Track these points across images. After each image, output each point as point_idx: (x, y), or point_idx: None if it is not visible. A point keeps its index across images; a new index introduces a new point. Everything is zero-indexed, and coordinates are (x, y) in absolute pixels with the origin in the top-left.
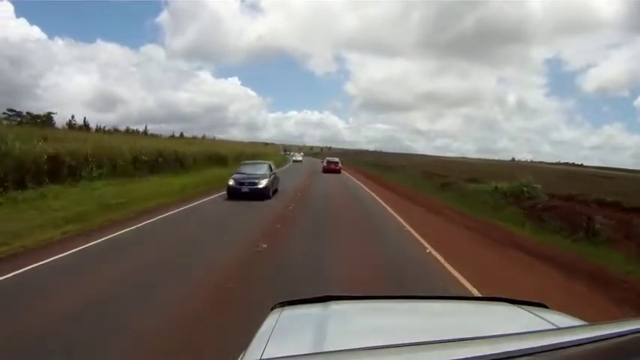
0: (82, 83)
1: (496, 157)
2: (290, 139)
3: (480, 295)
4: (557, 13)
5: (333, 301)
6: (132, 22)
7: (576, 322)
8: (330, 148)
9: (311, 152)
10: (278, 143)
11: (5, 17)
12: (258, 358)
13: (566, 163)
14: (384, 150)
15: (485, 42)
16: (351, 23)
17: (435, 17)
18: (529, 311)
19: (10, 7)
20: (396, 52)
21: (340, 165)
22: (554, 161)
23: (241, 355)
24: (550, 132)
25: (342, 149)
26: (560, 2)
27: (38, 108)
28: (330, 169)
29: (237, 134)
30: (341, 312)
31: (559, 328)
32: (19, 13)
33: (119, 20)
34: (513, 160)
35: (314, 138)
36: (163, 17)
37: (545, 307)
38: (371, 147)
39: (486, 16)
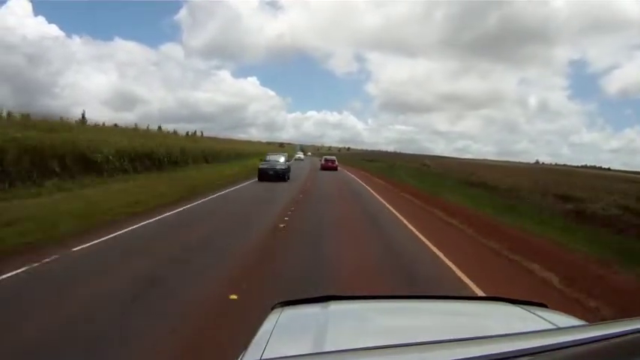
0: (100, 82)
1: (517, 160)
2: (309, 140)
3: (481, 295)
4: (582, 13)
5: (333, 301)
6: (150, 19)
7: (576, 322)
8: (348, 149)
9: (328, 153)
10: (296, 143)
11: (23, 15)
12: (258, 358)
13: (593, 167)
14: (403, 151)
15: (508, 42)
16: (373, 22)
17: (458, 16)
18: (529, 311)
19: (29, 6)
20: (418, 52)
21: (337, 163)
22: (578, 164)
23: (241, 355)
24: (570, 134)
25: (362, 150)
26: (585, 1)
27: (56, 106)
28: (328, 167)
29: (256, 134)
30: (341, 312)
31: (559, 328)
32: (37, 11)
33: (137, 18)
34: (537, 162)
35: (333, 139)
36: (182, 15)
37: (546, 307)
38: (390, 148)
39: (510, 16)
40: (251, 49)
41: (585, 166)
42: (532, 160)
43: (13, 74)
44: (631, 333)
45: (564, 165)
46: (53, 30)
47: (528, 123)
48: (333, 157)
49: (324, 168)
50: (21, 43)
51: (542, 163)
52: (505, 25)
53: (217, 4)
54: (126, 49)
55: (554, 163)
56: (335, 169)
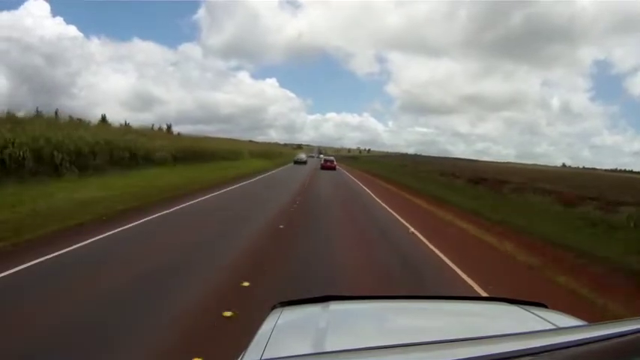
0: (118, 82)
1: (541, 163)
2: (328, 142)
3: (481, 296)
4: (609, 12)
5: (333, 301)
6: (169, 19)
7: (576, 322)
8: (369, 150)
9: (348, 155)
10: (315, 145)
11: (42, 16)
12: (258, 358)
13: (624, 170)
14: (422, 153)
15: (533, 42)
16: (395, 21)
17: (481, 16)
18: (529, 311)
19: (47, 7)
20: (440, 52)
21: (335, 163)
22: (609, 168)
23: (241, 356)
24: (591, 137)
25: (383, 152)
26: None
27: (74, 106)
28: (327, 167)
29: (275, 136)
30: (341, 312)
31: (559, 328)
32: (55, 12)
33: (156, 18)
34: (564, 165)
35: (353, 140)
36: (201, 14)
37: (545, 307)
38: (410, 150)
39: (534, 15)
40: (270, 50)
41: (616, 170)
42: (552, 163)
43: (31, 74)
44: (631, 333)
45: (593, 168)
46: (72, 31)
47: (549, 125)
48: (332, 158)
49: (323, 167)
50: (39, 44)
51: (569, 167)
52: (530, 25)
53: (236, 4)
54: (144, 49)
55: (580, 166)
56: (333, 168)
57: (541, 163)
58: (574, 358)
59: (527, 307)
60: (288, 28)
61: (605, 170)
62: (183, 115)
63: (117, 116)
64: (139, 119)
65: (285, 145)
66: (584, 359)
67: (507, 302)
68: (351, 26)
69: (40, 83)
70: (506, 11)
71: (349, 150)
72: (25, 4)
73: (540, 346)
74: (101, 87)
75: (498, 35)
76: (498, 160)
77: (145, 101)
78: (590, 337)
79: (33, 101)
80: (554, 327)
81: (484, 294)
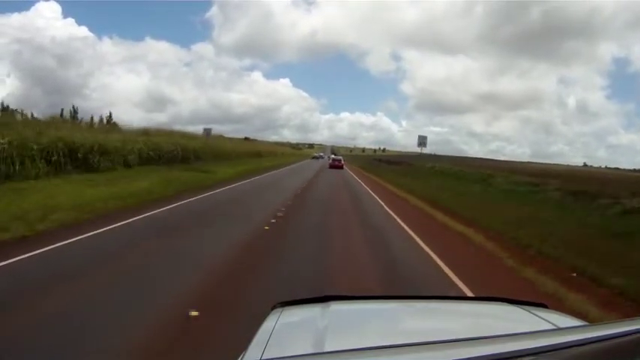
0: (131, 83)
1: (558, 162)
2: (342, 141)
3: (480, 296)
4: (627, 7)
5: (333, 301)
6: (181, 18)
7: (576, 322)
8: (384, 150)
9: (363, 155)
10: (327, 145)
11: (52, 17)
12: (258, 358)
13: None
14: (437, 153)
15: (550, 38)
16: (411, 18)
17: (498, 12)
18: (529, 311)
19: (58, 8)
20: (456, 50)
21: (343, 162)
22: (630, 167)
23: (241, 356)
24: (607, 136)
25: (396, 152)
26: None
27: (87, 107)
28: (334, 165)
29: (288, 135)
30: (341, 312)
31: (559, 328)
32: (66, 13)
33: (168, 17)
34: (585, 165)
35: (366, 140)
36: (214, 13)
37: (545, 307)
38: (425, 150)
39: (551, 10)
40: (284, 48)
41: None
42: (568, 162)
43: (44, 75)
44: (631, 333)
45: (616, 168)
46: (83, 31)
47: (565, 124)
48: (340, 157)
49: (331, 167)
50: (50, 45)
51: (591, 167)
52: (547, 21)
53: (249, 1)
54: (157, 49)
55: (602, 166)
56: (341, 167)
57: (559, 163)
58: (574, 358)
59: (527, 307)
60: (302, 26)
61: (629, 170)
62: (196, 115)
63: (133, 117)
64: (152, 120)
65: (297, 144)
66: (584, 359)
67: (507, 302)
68: (366, 23)
69: (52, 84)
70: (524, 7)
71: (363, 149)
72: (37, 4)
73: (540, 346)
74: (114, 87)
75: (515, 32)
76: (517, 160)
77: (159, 102)
78: (590, 337)
79: (46, 102)
80: (554, 327)
81: None
